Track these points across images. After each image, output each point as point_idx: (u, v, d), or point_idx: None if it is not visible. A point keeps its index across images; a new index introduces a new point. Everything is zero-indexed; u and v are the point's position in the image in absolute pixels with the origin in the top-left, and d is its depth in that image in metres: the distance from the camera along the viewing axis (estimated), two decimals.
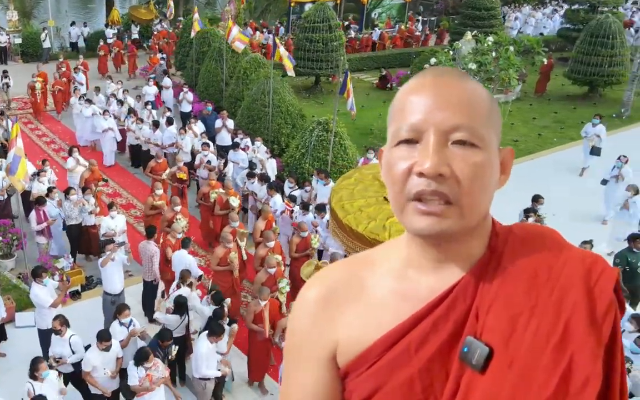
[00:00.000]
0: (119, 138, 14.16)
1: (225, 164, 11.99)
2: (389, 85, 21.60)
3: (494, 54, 13.01)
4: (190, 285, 8.01)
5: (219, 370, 7.15)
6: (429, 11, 34.76)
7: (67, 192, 10.09)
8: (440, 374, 1.07)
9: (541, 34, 28.22)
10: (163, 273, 8.96)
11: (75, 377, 7.20)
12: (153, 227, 9.22)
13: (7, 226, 10.16)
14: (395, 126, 1.09)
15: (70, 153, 11.88)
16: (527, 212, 9.52)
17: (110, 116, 14.04)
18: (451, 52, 13.95)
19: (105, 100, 15.82)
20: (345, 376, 1.18)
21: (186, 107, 16.04)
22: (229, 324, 7.54)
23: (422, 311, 1.10)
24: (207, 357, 6.98)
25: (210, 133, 13.70)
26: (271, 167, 12.11)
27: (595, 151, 13.60)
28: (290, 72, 13.85)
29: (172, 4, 21.98)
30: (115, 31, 24.21)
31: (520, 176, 9.40)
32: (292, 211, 10.15)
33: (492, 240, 1.13)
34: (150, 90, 16.18)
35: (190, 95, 16.18)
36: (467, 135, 1.03)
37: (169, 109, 15.12)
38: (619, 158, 11.78)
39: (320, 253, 9.73)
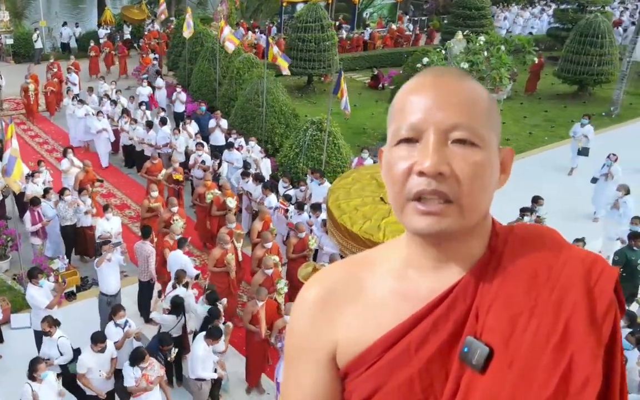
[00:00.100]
0: (113, 138, 14.14)
1: (220, 164, 12.02)
2: (381, 85, 21.71)
3: (485, 53, 13.12)
4: (186, 285, 8.03)
5: (215, 372, 7.13)
6: (420, 11, 34.90)
7: (61, 192, 10.05)
8: (440, 374, 1.07)
9: (530, 33, 28.42)
10: (161, 274, 8.97)
11: (66, 380, 7.16)
12: (149, 227, 9.19)
13: (1, 227, 10.13)
14: (395, 125, 1.10)
15: (64, 154, 11.83)
16: (523, 211, 9.54)
17: (104, 117, 14.01)
18: (443, 52, 14.05)
19: (98, 100, 15.77)
20: (345, 376, 1.18)
21: (179, 107, 16.05)
22: (224, 324, 7.57)
23: (422, 311, 1.10)
24: (204, 359, 6.98)
25: (204, 133, 13.72)
26: (265, 167, 12.14)
27: (583, 152, 13.65)
28: (286, 71, 13.88)
29: (164, 4, 21.95)
30: (108, 31, 24.12)
31: (512, 175, 9.47)
32: (287, 211, 10.19)
33: (492, 240, 1.13)
34: (144, 91, 16.15)
35: (183, 96, 16.18)
36: (467, 134, 1.03)
37: (163, 109, 15.12)
38: (608, 156, 11.85)
39: (315, 253, 9.77)
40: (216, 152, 12.51)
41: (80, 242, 10.37)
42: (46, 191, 10.11)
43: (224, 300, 8.00)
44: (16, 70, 19.77)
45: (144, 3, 26.37)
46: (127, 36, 24.80)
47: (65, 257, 9.89)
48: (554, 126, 17.95)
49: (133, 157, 14.04)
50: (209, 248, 10.90)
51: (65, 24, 25.20)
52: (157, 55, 20.59)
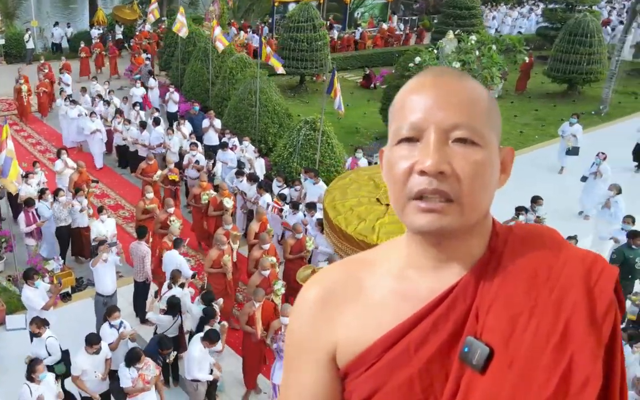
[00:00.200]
0: (105, 139, 14.11)
1: (214, 164, 12.04)
2: (372, 85, 21.80)
3: (477, 52, 13.23)
4: (182, 285, 8.03)
5: (211, 374, 7.11)
6: (409, 10, 35.03)
7: (55, 193, 10.03)
8: (440, 374, 1.07)
9: (519, 32, 28.68)
10: (158, 275, 8.97)
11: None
12: (144, 227, 9.18)
13: None
14: (396, 125, 1.10)
15: (58, 155, 11.78)
16: (518, 210, 9.52)
17: (97, 117, 13.97)
18: (435, 51, 14.15)
19: (91, 101, 15.73)
20: (345, 376, 1.18)
21: (172, 108, 16.05)
22: (219, 323, 7.57)
23: (422, 311, 1.10)
24: (200, 360, 6.96)
25: (198, 133, 13.72)
26: (259, 167, 12.17)
27: (573, 151, 13.69)
28: (281, 70, 13.89)
29: (156, 4, 21.89)
30: (101, 31, 24.04)
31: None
32: (281, 210, 10.21)
33: (492, 240, 1.13)
34: (138, 92, 16.11)
35: (176, 96, 16.17)
36: (468, 133, 1.04)
37: (157, 110, 15.11)
38: (597, 155, 11.89)
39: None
40: (210, 152, 12.51)
41: (76, 243, 10.35)
42: (43, 192, 10.08)
43: (220, 300, 8.01)
44: (7, 71, 19.70)
45: (135, 3, 26.29)
46: (119, 36, 24.73)
47: (60, 258, 9.89)
48: (544, 125, 18.11)
49: (127, 157, 14.02)
50: (203, 248, 10.92)
51: (56, 24, 25.09)
52: (149, 56, 20.54)
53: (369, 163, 12.82)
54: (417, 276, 1.14)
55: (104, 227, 9.52)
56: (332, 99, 11.90)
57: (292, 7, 23.46)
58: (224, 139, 12.94)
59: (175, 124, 13.82)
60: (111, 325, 7.27)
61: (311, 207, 9.80)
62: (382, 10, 30.52)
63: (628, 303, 8.75)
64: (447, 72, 1.12)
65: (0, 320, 8.73)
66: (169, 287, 7.95)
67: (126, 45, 24.39)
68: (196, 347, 6.94)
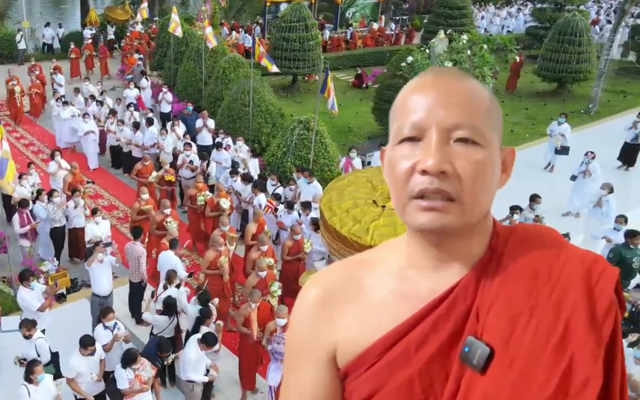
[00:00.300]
0: (98, 140, 14.07)
1: (208, 164, 12.04)
2: (364, 85, 21.89)
3: (468, 52, 13.33)
4: (177, 285, 8.04)
5: (206, 375, 7.09)
6: (399, 10, 35.17)
7: (50, 194, 10.01)
8: (440, 375, 1.07)
9: (508, 31, 28.94)
10: (156, 277, 8.93)
11: None
12: (139, 227, 9.16)
13: None
14: (397, 124, 1.10)
15: (52, 157, 11.72)
16: (512, 209, 9.50)
17: (90, 118, 13.93)
18: (427, 51, 14.25)
19: (84, 101, 15.67)
20: (345, 377, 1.18)
21: (165, 108, 16.03)
22: (214, 322, 7.57)
23: (422, 311, 1.10)
24: (196, 362, 6.94)
25: (191, 133, 13.72)
26: (254, 166, 12.20)
27: (563, 150, 13.76)
28: (274, 69, 13.90)
29: (146, 4, 21.85)
30: (93, 31, 23.95)
31: None
32: (276, 210, 10.23)
33: (492, 240, 1.13)
34: (131, 93, 16.07)
35: (169, 96, 16.16)
36: (469, 133, 1.04)
37: (151, 110, 15.09)
38: (586, 154, 11.96)
39: None
40: (203, 152, 12.53)
41: (73, 244, 10.32)
42: (39, 192, 10.05)
43: (216, 300, 8.01)
44: None
45: (127, 3, 26.19)
46: (111, 36, 24.64)
47: (55, 259, 9.87)
48: (535, 123, 18.26)
49: (120, 158, 14.00)
50: (198, 248, 10.93)
51: (48, 24, 24.95)
52: (141, 56, 20.50)
53: (363, 162, 12.90)
54: (417, 276, 1.15)
55: (98, 229, 9.48)
56: (326, 99, 11.94)
57: (283, 7, 23.48)
58: (218, 139, 12.95)
59: (169, 124, 13.80)
60: (105, 327, 7.23)
61: (306, 206, 9.82)
62: (373, 10, 30.63)
63: None
64: (449, 72, 1.12)
65: None
66: (165, 288, 7.94)
67: (116, 46, 24.31)
68: (192, 348, 6.91)
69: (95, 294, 8.44)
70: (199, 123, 13.73)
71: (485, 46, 13.55)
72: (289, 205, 9.97)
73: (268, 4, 25.16)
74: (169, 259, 8.49)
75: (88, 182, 11.72)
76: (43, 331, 7.81)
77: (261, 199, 10.33)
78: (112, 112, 14.24)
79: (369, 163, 13.43)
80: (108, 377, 7.11)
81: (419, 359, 1.08)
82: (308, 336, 1.21)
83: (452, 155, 1.03)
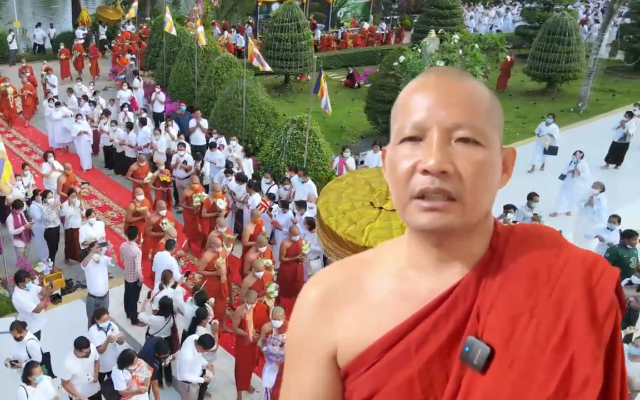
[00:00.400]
0: (92, 141, 14.03)
1: (202, 164, 12.06)
2: (356, 84, 21.97)
3: (460, 51, 13.42)
4: (174, 286, 8.06)
5: (202, 376, 7.09)
6: (389, 10, 35.28)
7: (44, 195, 9.99)
8: (440, 375, 1.07)
9: (498, 31, 29.17)
10: (154, 279, 8.94)
11: None
12: (134, 227, 9.15)
13: None
14: (398, 124, 1.10)
15: (45, 158, 11.68)
16: (506, 208, 9.46)
17: (83, 119, 13.88)
18: (419, 50, 14.33)
19: (77, 101, 15.62)
20: (346, 376, 1.18)
21: (158, 108, 16.01)
22: (210, 322, 7.58)
23: (422, 311, 1.10)
24: (192, 363, 6.94)
25: (184, 133, 13.72)
26: (247, 166, 12.22)
27: (551, 150, 13.79)
28: (267, 68, 13.91)
29: (136, 5, 21.78)
30: (86, 31, 23.85)
31: None
32: (270, 209, 10.26)
33: (493, 240, 1.13)
34: (125, 94, 16.03)
35: (162, 96, 16.14)
36: (470, 132, 1.04)
37: (144, 110, 15.07)
38: (574, 154, 12.01)
39: None
40: (197, 152, 12.54)
41: (69, 245, 10.31)
42: (35, 193, 10.03)
43: (212, 300, 8.02)
44: None
45: (119, 3, 26.08)
46: (103, 36, 24.54)
47: (49, 259, 9.85)
48: (525, 122, 18.41)
49: (113, 158, 13.96)
50: (193, 249, 10.93)
51: (39, 25, 24.82)
52: (134, 56, 20.44)
53: (356, 161, 12.98)
54: (417, 276, 1.15)
55: (93, 231, 9.46)
56: (319, 99, 11.98)
57: (275, 7, 23.52)
58: (211, 139, 12.96)
59: (162, 124, 13.78)
60: (99, 328, 7.22)
61: (301, 205, 9.85)
62: (364, 9, 30.71)
63: None
64: (450, 72, 1.12)
65: None
66: (161, 288, 7.94)
67: (107, 46, 24.20)
68: (189, 349, 6.91)
69: (91, 295, 8.42)
70: (192, 123, 13.73)
71: (476, 45, 13.65)
72: (284, 205, 9.99)
73: (260, 3, 25.18)
74: (164, 260, 8.48)
75: (83, 183, 11.68)
76: (39, 332, 7.82)
77: (256, 198, 10.31)
78: (106, 113, 14.21)
79: (362, 162, 13.52)
80: (102, 379, 7.11)
81: (419, 359, 1.09)
82: (308, 336, 1.21)
83: (453, 155, 1.04)
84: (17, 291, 7.79)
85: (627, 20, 25.69)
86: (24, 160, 13.98)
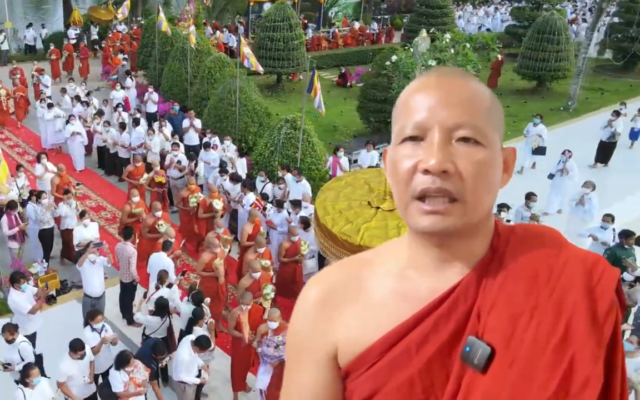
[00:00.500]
0: (86, 142, 14.00)
1: (196, 164, 12.06)
2: (348, 83, 22.05)
3: (452, 50, 13.52)
4: (169, 286, 8.07)
5: (198, 377, 7.08)
6: (378, 10, 35.38)
7: (38, 196, 9.97)
8: (441, 374, 1.07)
9: (488, 30, 29.38)
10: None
11: None
12: (130, 228, 9.15)
13: None
14: (400, 124, 1.11)
15: (38, 160, 11.63)
16: (500, 207, 9.38)
17: (76, 119, 13.84)
18: (411, 50, 14.41)
19: (71, 101, 15.56)
20: (346, 376, 1.18)
21: (152, 108, 15.99)
22: (206, 323, 7.60)
23: (422, 311, 1.10)
24: (189, 364, 6.93)
25: (178, 133, 13.71)
26: (241, 166, 12.24)
27: (539, 151, 13.83)
28: (260, 69, 13.93)
29: (127, 2, 21.66)
30: (78, 31, 23.74)
31: None
32: (264, 208, 10.29)
33: (494, 240, 1.14)
34: (118, 95, 15.99)
35: (155, 96, 16.12)
36: (471, 132, 1.04)
37: (138, 110, 15.04)
38: (563, 153, 12.07)
39: None
40: (191, 152, 12.54)
41: (65, 245, 10.29)
42: (31, 193, 10.00)
43: (207, 299, 8.02)
44: None
45: (110, 3, 25.96)
46: (95, 37, 24.42)
47: (44, 260, 9.83)
48: (516, 121, 18.51)
49: (105, 158, 13.93)
50: (188, 249, 10.93)
51: (30, 25, 24.66)
52: (126, 56, 20.37)
53: (349, 161, 13.03)
54: (417, 276, 1.15)
55: (87, 232, 9.44)
56: (312, 98, 12.01)
57: (267, 6, 23.53)
58: (205, 139, 12.97)
59: (156, 124, 13.76)
60: (93, 329, 7.20)
61: (296, 204, 9.87)
62: (355, 9, 30.79)
63: None
64: (450, 72, 1.13)
65: None
66: (157, 288, 7.94)
67: (97, 47, 24.10)
68: (185, 350, 6.91)
69: (87, 295, 8.42)
70: (185, 123, 13.73)
71: (468, 45, 13.76)
72: (279, 204, 10.01)
73: (252, 3, 25.19)
74: (160, 261, 8.46)
75: (78, 184, 11.65)
76: (34, 333, 7.81)
77: (250, 198, 10.32)
78: (99, 113, 14.18)
79: (355, 161, 13.58)
80: (96, 380, 7.11)
81: (419, 359, 1.09)
82: (309, 336, 1.21)
83: (454, 154, 1.04)
84: (12, 292, 7.75)
85: (616, 20, 25.98)
86: (17, 161, 13.92)
